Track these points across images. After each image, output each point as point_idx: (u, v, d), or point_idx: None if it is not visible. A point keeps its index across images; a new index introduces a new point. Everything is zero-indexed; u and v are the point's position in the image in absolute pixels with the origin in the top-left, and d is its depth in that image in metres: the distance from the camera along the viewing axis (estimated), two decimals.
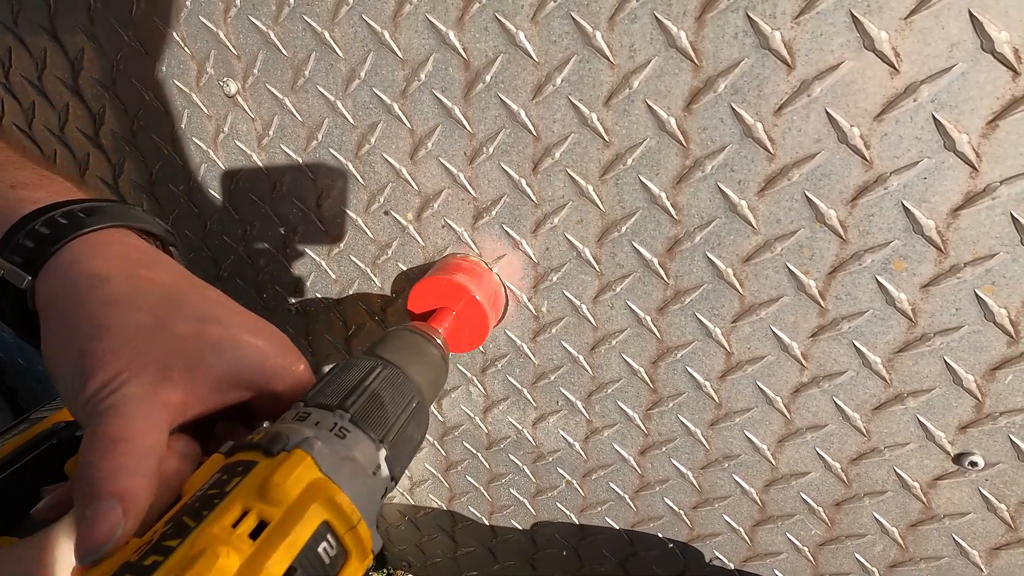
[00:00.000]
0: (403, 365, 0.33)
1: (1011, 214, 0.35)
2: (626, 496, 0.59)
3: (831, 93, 0.36)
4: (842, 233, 0.39)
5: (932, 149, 0.35)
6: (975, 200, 0.35)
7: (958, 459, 0.43)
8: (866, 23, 0.33)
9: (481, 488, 0.69)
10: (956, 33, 0.32)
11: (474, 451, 0.66)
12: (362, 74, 0.48)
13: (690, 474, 0.55)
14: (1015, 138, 0.33)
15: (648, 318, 0.48)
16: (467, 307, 0.48)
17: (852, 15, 0.33)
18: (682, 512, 0.57)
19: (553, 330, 0.53)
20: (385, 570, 0.92)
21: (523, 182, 0.47)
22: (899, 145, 0.35)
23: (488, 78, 0.44)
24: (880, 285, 0.40)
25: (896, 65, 0.34)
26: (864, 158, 0.36)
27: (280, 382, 0.29)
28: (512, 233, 0.50)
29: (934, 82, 0.33)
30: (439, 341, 0.40)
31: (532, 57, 0.42)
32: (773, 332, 0.44)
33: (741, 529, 0.55)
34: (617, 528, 0.62)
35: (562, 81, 0.42)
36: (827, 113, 0.36)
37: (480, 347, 0.58)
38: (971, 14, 0.31)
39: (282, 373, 0.29)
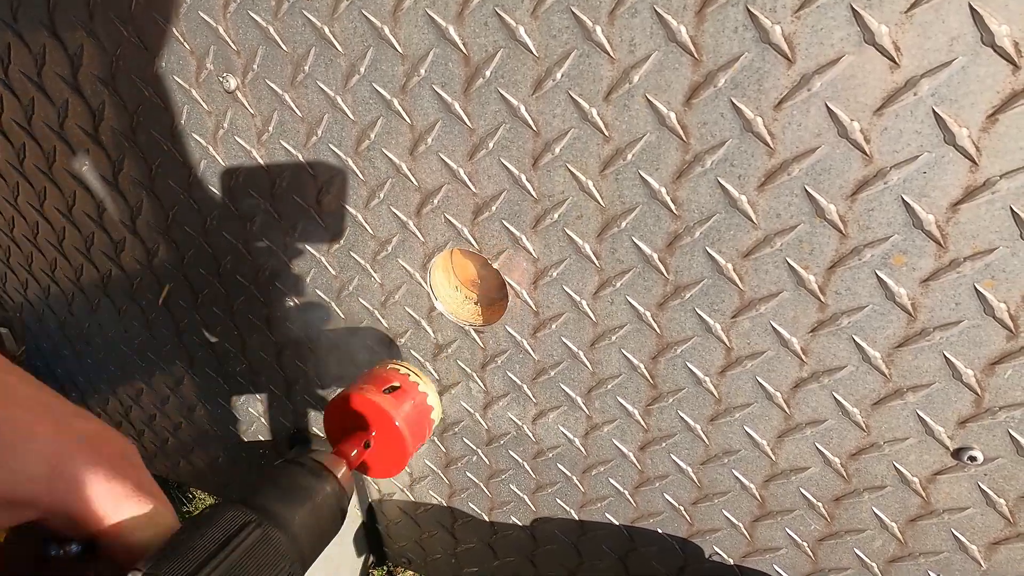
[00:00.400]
0: (284, 518, 0.28)
1: (1011, 208, 0.35)
2: (626, 492, 0.59)
3: (831, 87, 0.36)
4: (842, 228, 0.39)
5: (932, 143, 0.35)
6: (975, 194, 0.35)
7: (957, 454, 0.43)
8: (866, 17, 0.33)
9: (481, 484, 0.69)
10: (956, 27, 0.32)
11: (474, 447, 0.66)
12: (362, 69, 0.48)
13: (690, 470, 0.55)
14: (1015, 132, 0.33)
15: (648, 314, 0.48)
16: (385, 433, 0.43)
17: (852, 9, 0.33)
18: (682, 508, 0.57)
19: (553, 326, 0.53)
20: (385, 567, 0.92)
21: (523, 177, 0.47)
22: (899, 139, 0.35)
23: (488, 73, 0.44)
24: (880, 280, 0.40)
25: (896, 59, 0.34)
26: (864, 152, 0.36)
27: (79, 503, 0.23)
28: (512, 229, 0.50)
29: (934, 76, 0.33)
30: (339, 475, 0.34)
31: (532, 52, 0.42)
32: (773, 327, 0.44)
33: (740, 525, 0.55)
34: (617, 524, 0.62)
35: (562, 76, 0.42)
36: (827, 107, 0.36)
37: (480, 344, 0.58)
38: (971, 8, 0.31)
39: (80, 491, 0.23)
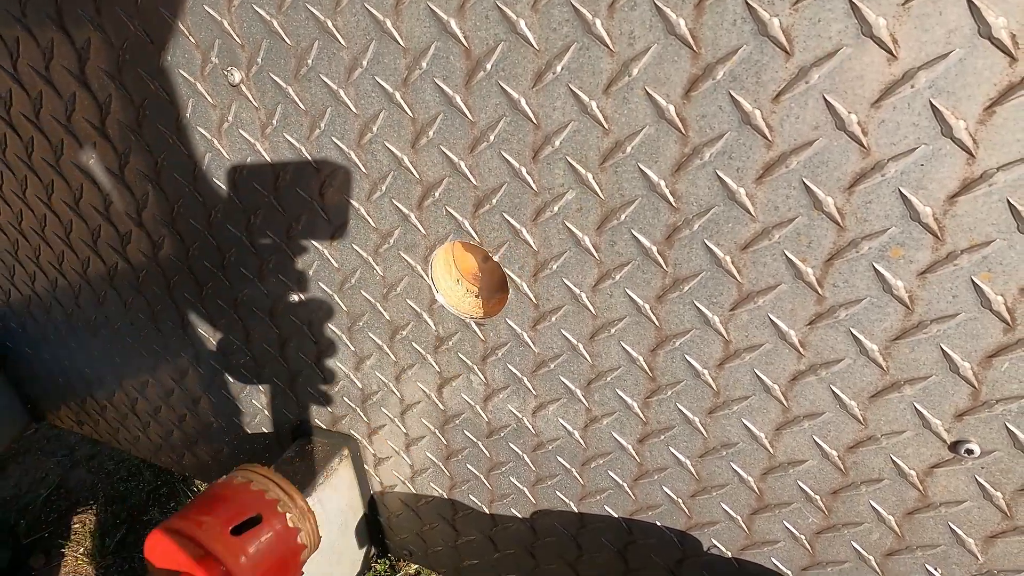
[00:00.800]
0: None
1: (1008, 200, 0.35)
2: (625, 484, 0.60)
3: (829, 80, 0.36)
4: (839, 220, 0.39)
5: (929, 136, 0.35)
6: (972, 187, 0.35)
7: (954, 447, 0.43)
8: (864, 9, 0.33)
9: (481, 476, 0.69)
10: (954, 19, 0.32)
11: (474, 439, 0.66)
12: (364, 63, 0.48)
13: (688, 462, 0.55)
14: (1012, 124, 0.33)
15: (647, 306, 0.49)
16: None
17: (850, 1, 0.34)
18: (680, 500, 0.58)
19: (553, 318, 0.53)
20: (387, 559, 0.93)
21: (523, 170, 0.47)
22: (896, 132, 0.36)
23: (489, 66, 0.44)
24: (877, 272, 0.40)
25: (894, 51, 0.34)
26: (862, 145, 0.37)
27: None
28: (512, 221, 0.50)
29: (931, 68, 0.33)
30: None
31: (532, 45, 0.42)
32: (771, 320, 0.45)
33: (739, 517, 0.56)
34: (616, 516, 0.63)
35: (562, 69, 0.42)
36: (825, 100, 0.36)
37: (481, 336, 0.58)
38: (969, 0, 0.31)
39: None
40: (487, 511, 0.72)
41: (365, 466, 0.78)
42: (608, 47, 0.40)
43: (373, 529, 0.85)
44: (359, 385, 0.70)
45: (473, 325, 0.58)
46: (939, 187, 0.36)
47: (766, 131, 0.38)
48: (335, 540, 0.78)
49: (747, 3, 0.35)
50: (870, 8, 0.33)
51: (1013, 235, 0.36)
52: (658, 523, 0.61)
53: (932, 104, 0.34)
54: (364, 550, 0.85)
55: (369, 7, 0.46)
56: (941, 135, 0.35)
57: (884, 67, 0.34)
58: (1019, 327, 0.38)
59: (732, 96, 0.38)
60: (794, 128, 0.38)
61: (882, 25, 0.33)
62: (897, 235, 0.38)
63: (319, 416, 0.77)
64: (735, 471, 0.53)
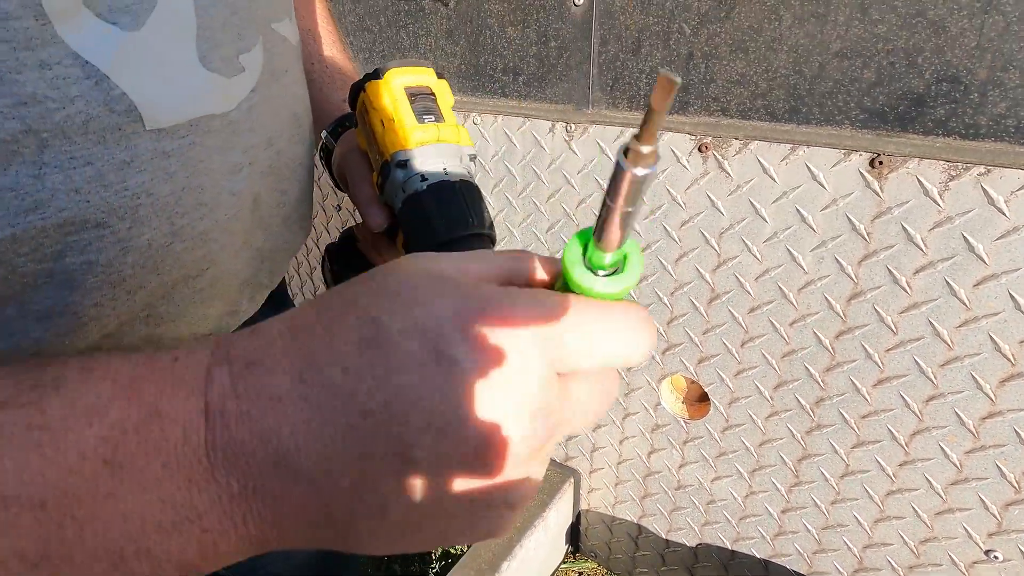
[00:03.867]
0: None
1: (1014, 428, 0.67)
2: (767, 537, 0.95)
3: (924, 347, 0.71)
4: (920, 416, 0.73)
5: (971, 388, 0.69)
6: (994, 416, 0.68)
7: (987, 552, 0.74)
8: None
9: (665, 513, 1.07)
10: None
11: (666, 489, 1.05)
12: (723, 297, 0.90)
13: (813, 531, 0.89)
14: (1015, 398, 0.66)
15: (799, 435, 0.84)
16: None
17: None
18: (805, 555, 0.92)
19: (737, 430, 0.91)
20: (576, 556, 1.33)
21: (734, 350, 0.86)
22: (955, 379, 0.69)
23: (724, 297, 0.84)
24: (941, 448, 0.73)
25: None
26: (933, 383, 0.71)
27: None
28: (721, 373, 0.88)
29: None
30: None
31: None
32: (888, 429, 0.79)
33: (854, 548, 0.88)
34: (758, 557, 0.97)
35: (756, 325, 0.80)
36: (915, 360, 0.71)
37: (685, 429, 0.97)
38: None
39: None
40: (663, 536, 1.10)
41: (580, 491, 1.20)
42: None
43: (574, 533, 1.26)
44: (591, 440, 1.12)
45: (681, 421, 0.97)
46: (976, 412, 0.69)
47: (881, 362, 0.74)
48: (555, 536, 1.19)
49: None
50: None
51: (1017, 445, 0.68)
52: (787, 567, 0.95)
53: (973, 375, 0.68)
54: (566, 547, 1.26)
55: (666, 225, 0.87)
56: (975, 387, 0.68)
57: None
58: (1022, 491, 0.69)
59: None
60: (898, 362, 0.73)
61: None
62: (953, 430, 0.71)
63: (556, 453, 1.20)
64: (854, 516, 0.86)
